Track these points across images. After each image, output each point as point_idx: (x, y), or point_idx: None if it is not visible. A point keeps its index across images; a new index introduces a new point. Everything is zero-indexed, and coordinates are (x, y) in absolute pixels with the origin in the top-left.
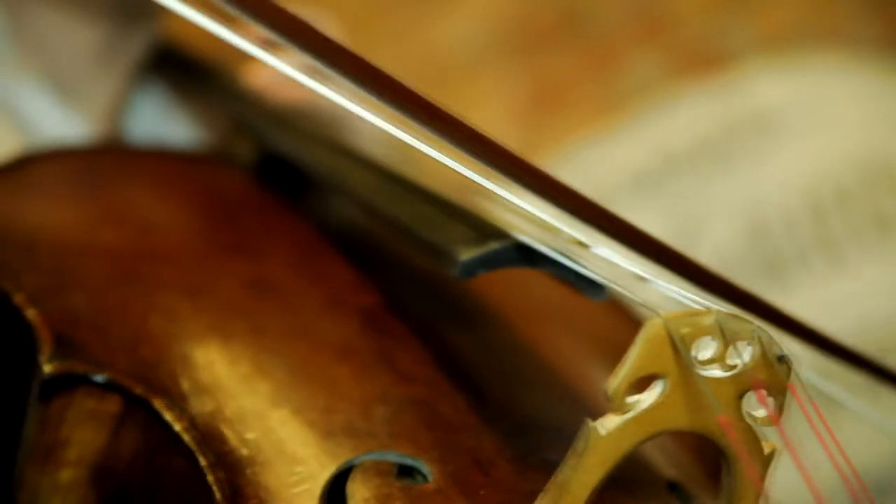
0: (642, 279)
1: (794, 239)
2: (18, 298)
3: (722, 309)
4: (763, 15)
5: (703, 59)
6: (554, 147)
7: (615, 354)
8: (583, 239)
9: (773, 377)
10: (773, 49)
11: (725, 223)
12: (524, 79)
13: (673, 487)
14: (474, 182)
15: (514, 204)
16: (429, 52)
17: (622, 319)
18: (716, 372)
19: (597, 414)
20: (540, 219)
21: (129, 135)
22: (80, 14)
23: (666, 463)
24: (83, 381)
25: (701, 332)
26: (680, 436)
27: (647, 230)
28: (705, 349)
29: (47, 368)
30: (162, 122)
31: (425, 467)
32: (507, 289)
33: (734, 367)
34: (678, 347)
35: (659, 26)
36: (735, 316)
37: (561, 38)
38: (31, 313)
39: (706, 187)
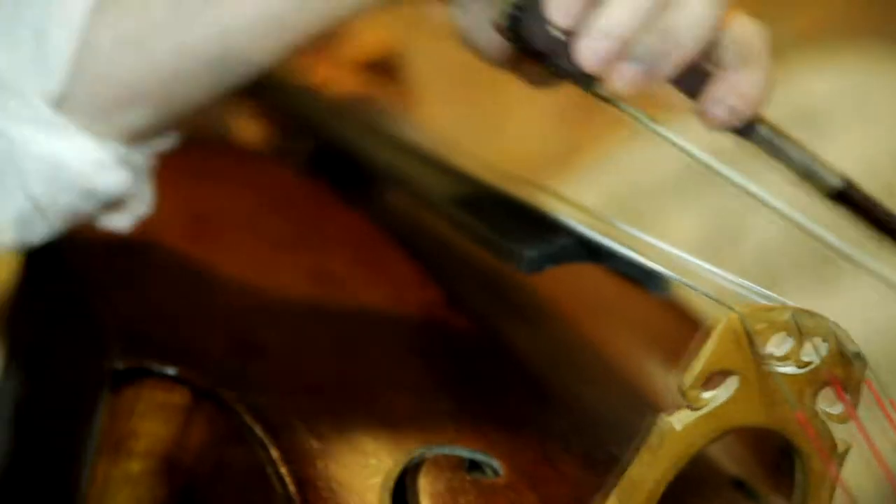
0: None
1: (839, 235)
2: (88, 293)
3: (795, 305)
4: (804, 11)
5: None
6: (596, 147)
7: (673, 350)
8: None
9: (849, 373)
10: (815, 46)
11: (769, 221)
12: None
13: (738, 485)
14: None
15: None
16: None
17: (679, 316)
18: (789, 368)
19: (658, 410)
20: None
21: None
22: None
23: (728, 460)
24: (152, 374)
25: (776, 327)
26: (739, 432)
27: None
28: (780, 345)
29: (118, 361)
30: None
31: (495, 462)
32: (566, 285)
33: (808, 363)
34: (753, 343)
35: None
36: (810, 312)
37: None
38: (100, 307)
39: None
